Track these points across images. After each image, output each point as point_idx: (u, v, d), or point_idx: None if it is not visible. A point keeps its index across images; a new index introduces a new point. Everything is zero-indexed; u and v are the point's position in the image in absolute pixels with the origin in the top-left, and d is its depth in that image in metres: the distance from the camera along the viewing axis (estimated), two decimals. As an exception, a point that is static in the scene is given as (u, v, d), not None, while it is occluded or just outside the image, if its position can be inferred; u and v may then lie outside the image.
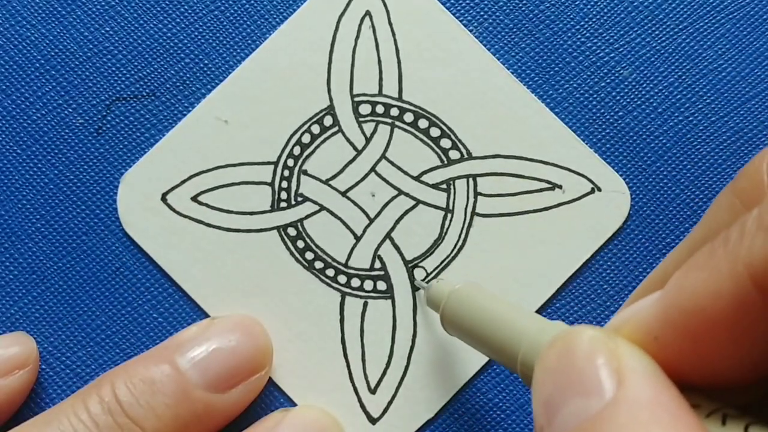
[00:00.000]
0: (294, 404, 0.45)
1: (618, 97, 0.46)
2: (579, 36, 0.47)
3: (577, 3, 0.47)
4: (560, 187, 0.45)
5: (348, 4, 0.46)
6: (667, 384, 0.25)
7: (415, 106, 0.46)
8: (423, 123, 0.46)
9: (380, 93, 0.46)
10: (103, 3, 0.47)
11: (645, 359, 0.26)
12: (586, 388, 0.25)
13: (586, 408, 0.25)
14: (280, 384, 0.45)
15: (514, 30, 0.47)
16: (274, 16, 0.47)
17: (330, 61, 0.46)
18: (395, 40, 0.46)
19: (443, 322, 0.40)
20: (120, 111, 0.46)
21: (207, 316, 0.45)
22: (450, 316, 0.39)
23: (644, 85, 0.46)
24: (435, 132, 0.46)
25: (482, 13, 0.47)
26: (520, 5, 0.47)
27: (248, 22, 0.47)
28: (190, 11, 0.47)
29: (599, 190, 0.45)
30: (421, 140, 0.46)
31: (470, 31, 0.46)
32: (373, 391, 0.45)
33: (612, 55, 0.47)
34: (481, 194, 0.45)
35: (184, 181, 0.46)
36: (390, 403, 0.45)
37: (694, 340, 0.25)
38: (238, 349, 0.43)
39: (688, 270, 0.26)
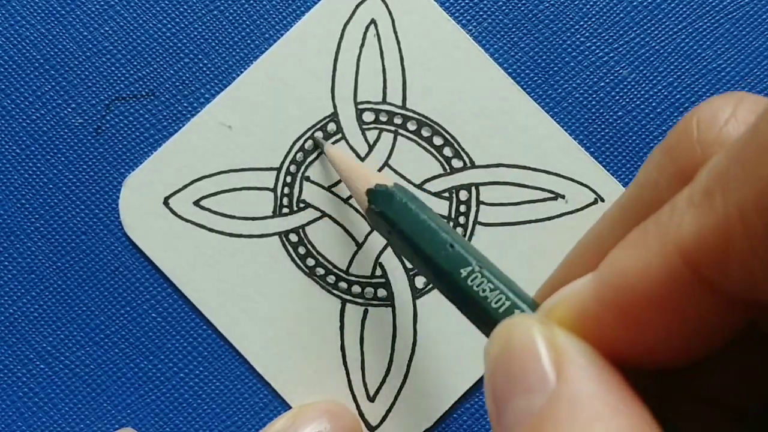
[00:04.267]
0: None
1: (617, 97, 0.46)
2: (578, 36, 0.47)
3: (576, 3, 0.47)
4: (563, 197, 0.45)
5: (353, 12, 0.46)
6: (608, 375, 0.25)
7: (419, 114, 0.46)
8: (426, 131, 0.46)
9: (384, 101, 0.46)
10: (102, 3, 0.47)
11: (584, 348, 0.25)
12: (528, 385, 0.25)
13: (529, 405, 0.25)
14: (279, 390, 0.45)
15: (513, 30, 0.47)
16: (273, 15, 0.47)
17: (334, 68, 0.46)
18: (400, 49, 0.46)
19: None
20: (119, 111, 0.46)
21: (206, 320, 0.45)
22: None
23: (644, 85, 0.47)
24: (438, 140, 0.46)
25: (481, 12, 0.47)
26: (519, 5, 0.47)
27: (247, 22, 0.47)
28: (189, 11, 0.47)
29: (602, 200, 0.45)
30: (424, 148, 0.46)
31: (469, 30, 0.46)
32: (371, 399, 0.45)
33: (611, 54, 0.47)
34: (483, 203, 0.45)
35: (186, 186, 0.46)
36: (388, 411, 0.45)
37: (627, 319, 0.25)
38: None
39: (622, 248, 0.25)
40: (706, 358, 0.26)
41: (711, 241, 0.23)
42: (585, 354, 0.25)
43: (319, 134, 0.45)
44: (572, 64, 0.47)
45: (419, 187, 0.46)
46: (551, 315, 0.27)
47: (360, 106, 0.46)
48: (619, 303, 0.25)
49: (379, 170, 0.46)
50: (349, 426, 0.44)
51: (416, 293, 0.45)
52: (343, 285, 0.46)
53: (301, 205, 0.46)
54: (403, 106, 0.46)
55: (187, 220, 0.46)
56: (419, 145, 0.46)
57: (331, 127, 0.46)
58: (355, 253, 0.46)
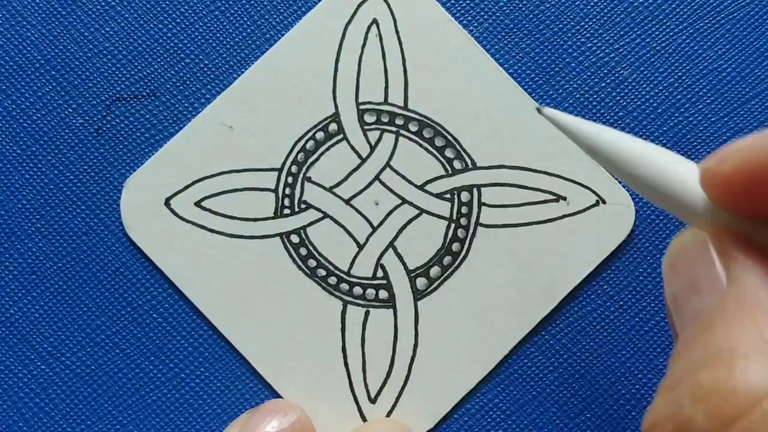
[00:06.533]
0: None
1: (618, 98, 0.46)
2: (579, 36, 0.47)
3: (577, 3, 0.47)
4: (564, 198, 0.45)
5: (355, 12, 0.46)
6: None
7: (420, 115, 0.46)
8: (428, 132, 0.46)
9: (386, 101, 0.46)
10: (103, 3, 0.47)
11: (750, 258, 0.28)
12: (701, 288, 0.28)
13: (702, 304, 0.28)
14: (280, 391, 0.45)
15: (515, 30, 0.47)
16: (274, 16, 0.47)
17: (336, 68, 0.46)
18: (402, 49, 0.46)
19: None
20: (120, 111, 0.46)
21: (207, 321, 0.45)
22: None
23: (644, 85, 0.46)
24: (440, 141, 0.46)
25: (482, 13, 0.47)
26: (520, 6, 0.47)
27: (248, 22, 0.47)
28: (190, 11, 0.47)
29: (604, 202, 0.45)
30: (426, 149, 0.46)
31: (470, 31, 0.46)
32: (373, 401, 0.45)
33: (612, 55, 0.47)
34: (485, 204, 0.45)
35: (187, 187, 0.46)
36: (390, 413, 0.45)
37: None
38: None
39: None
40: None
41: None
42: (750, 256, 0.28)
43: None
44: (573, 64, 0.47)
45: (421, 188, 0.46)
46: (720, 164, 0.29)
47: (361, 107, 0.46)
48: None
49: (381, 171, 0.46)
50: (297, 422, 0.44)
51: (417, 295, 0.45)
52: (344, 286, 0.45)
53: (303, 206, 0.46)
54: (405, 107, 0.46)
55: (188, 221, 0.46)
56: (421, 146, 0.46)
57: (333, 127, 0.46)
58: (357, 254, 0.46)
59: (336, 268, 0.46)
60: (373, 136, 0.46)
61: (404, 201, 0.45)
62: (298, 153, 0.46)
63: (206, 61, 0.46)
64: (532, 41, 0.47)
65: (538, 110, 0.38)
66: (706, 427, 0.25)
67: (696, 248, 0.30)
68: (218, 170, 0.46)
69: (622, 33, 0.47)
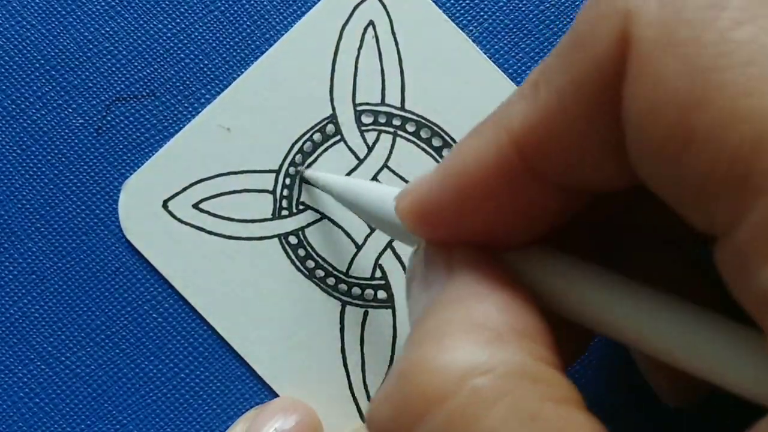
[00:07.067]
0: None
1: (617, 97, 0.46)
2: (580, 35, 0.46)
3: (577, 3, 0.47)
4: (561, 198, 0.45)
5: (351, 14, 0.46)
6: (487, 266, 0.29)
7: (417, 115, 0.46)
8: (425, 132, 0.46)
9: (383, 102, 0.46)
10: (103, 3, 0.47)
11: (473, 252, 0.29)
12: (431, 284, 0.30)
13: (429, 298, 0.29)
14: (279, 392, 0.45)
15: (514, 30, 0.46)
16: (274, 16, 0.46)
17: (333, 69, 0.46)
18: (398, 50, 0.46)
19: None
20: (120, 111, 0.46)
21: (206, 322, 0.45)
22: None
23: (644, 84, 0.46)
24: (437, 142, 0.46)
25: (482, 13, 0.46)
26: (520, 5, 0.47)
27: (248, 23, 0.47)
28: (190, 12, 0.47)
29: (601, 203, 0.45)
30: (423, 150, 0.45)
31: (470, 31, 0.46)
32: (372, 401, 0.45)
33: (612, 54, 0.46)
34: (482, 205, 0.45)
35: (185, 189, 0.46)
36: (389, 412, 0.45)
37: (464, 204, 0.29)
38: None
39: (467, 136, 0.29)
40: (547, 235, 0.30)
41: (534, 127, 0.26)
42: (473, 255, 0.29)
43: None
44: (573, 64, 0.46)
45: (419, 188, 0.46)
46: (401, 202, 0.31)
47: (359, 108, 0.46)
48: (458, 188, 0.28)
49: (378, 172, 0.46)
50: (305, 420, 0.44)
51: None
52: (343, 287, 0.45)
53: (301, 207, 0.46)
54: (402, 108, 0.46)
55: (186, 223, 0.46)
56: (418, 146, 0.46)
57: (330, 128, 0.46)
58: (355, 254, 0.46)
59: (334, 268, 0.45)
60: (370, 137, 0.46)
61: (402, 201, 0.45)
62: (295, 154, 0.46)
63: (206, 61, 0.46)
64: (532, 41, 0.46)
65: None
66: (418, 404, 0.25)
67: (427, 252, 0.31)
68: (216, 172, 0.46)
69: (622, 32, 0.46)
